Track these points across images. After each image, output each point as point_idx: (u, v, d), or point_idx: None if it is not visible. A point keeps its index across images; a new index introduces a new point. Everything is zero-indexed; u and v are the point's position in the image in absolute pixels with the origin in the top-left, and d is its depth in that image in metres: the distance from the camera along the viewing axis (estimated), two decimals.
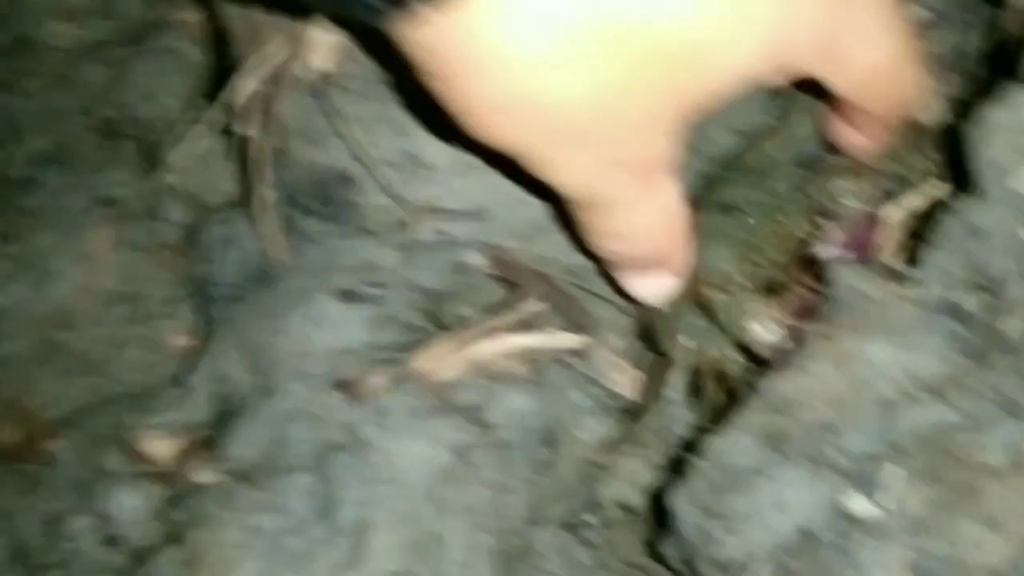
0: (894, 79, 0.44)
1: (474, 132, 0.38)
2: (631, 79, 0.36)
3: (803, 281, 0.51)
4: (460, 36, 0.34)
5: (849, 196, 0.50)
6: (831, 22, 0.39)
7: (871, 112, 0.46)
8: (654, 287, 0.48)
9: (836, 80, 0.42)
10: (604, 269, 0.48)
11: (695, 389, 0.52)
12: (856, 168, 0.51)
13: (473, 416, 0.45)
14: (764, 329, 0.49)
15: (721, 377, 0.52)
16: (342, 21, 0.49)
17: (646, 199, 0.42)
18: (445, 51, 0.35)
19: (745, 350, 0.50)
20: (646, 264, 0.46)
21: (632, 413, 0.52)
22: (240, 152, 0.53)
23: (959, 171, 0.52)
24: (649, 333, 0.52)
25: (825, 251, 0.49)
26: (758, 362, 0.50)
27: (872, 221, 0.50)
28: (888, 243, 0.51)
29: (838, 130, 0.49)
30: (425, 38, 0.35)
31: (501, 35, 0.34)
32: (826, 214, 0.50)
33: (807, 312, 0.48)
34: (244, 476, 0.43)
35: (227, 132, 0.56)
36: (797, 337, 0.46)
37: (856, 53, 0.41)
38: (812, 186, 0.50)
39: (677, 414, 0.52)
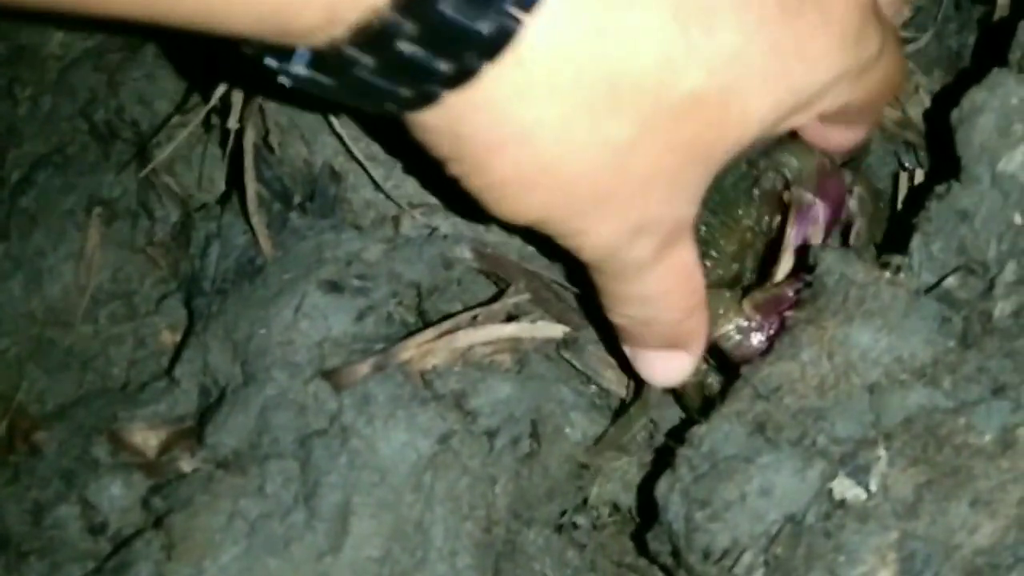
0: (888, 80, 0.43)
1: (499, 210, 0.38)
2: (647, 138, 0.36)
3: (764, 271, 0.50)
4: (478, 116, 0.35)
5: (799, 169, 0.49)
6: (847, 62, 0.38)
7: (876, 105, 0.45)
8: (670, 368, 0.47)
9: (858, 101, 0.42)
10: (622, 346, 0.47)
11: (677, 397, 0.52)
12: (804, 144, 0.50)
13: (456, 404, 0.45)
14: (728, 324, 0.48)
15: (698, 387, 0.51)
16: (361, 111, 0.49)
17: (666, 261, 0.41)
18: (464, 132, 0.35)
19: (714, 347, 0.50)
20: (663, 339, 0.45)
21: (617, 412, 0.52)
22: (230, 149, 0.54)
23: (945, 158, 0.52)
24: None
25: (802, 197, 0.48)
26: (725, 358, 0.49)
27: (840, 180, 0.49)
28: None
29: (829, 135, 0.48)
30: (444, 122, 0.35)
31: (517, 110, 0.34)
32: (779, 190, 0.49)
33: (773, 304, 0.47)
34: (228, 463, 0.43)
35: (217, 130, 0.56)
36: (783, 324, 0.46)
37: (870, 75, 0.41)
38: (764, 167, 0.50)
39: (664, 413, 0.52)
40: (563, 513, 0.52)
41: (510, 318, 0.49)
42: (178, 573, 0.41)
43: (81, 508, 0.46)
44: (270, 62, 0.34)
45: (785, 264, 0.48)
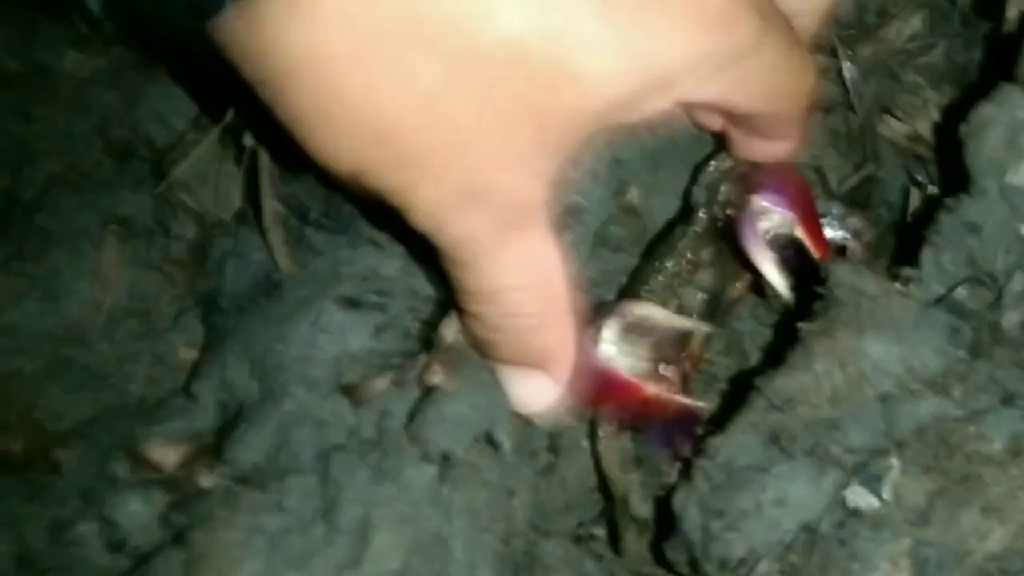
0: (776, 80, 0.40)
1: (311, 149, 0.35)
2: (460, 83, 0.33)
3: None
4: (267, 36, 0.32)
5: (727, 191, 0.48)
6: (706, 42, 0.36)
7: (781, 114, 0.43)
8: (532, 393, 0.43)
9: (735, 96, 0.39)
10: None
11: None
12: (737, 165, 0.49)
13: None
14: None
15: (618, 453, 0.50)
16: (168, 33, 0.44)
17: (513, 251, 0.38)
18: (258, 51, 0.33)
19: None
20: (518, 351, 0.41)
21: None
22: (248, 167, 0.54)
23: (953, 171, 0.53)
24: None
25: (737, 210, 0.47)
26: None
27: (776, 169, 0.47)
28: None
29: (752, 148, 0.46)
30: (239, 40, 0.33)
31: (303, 34, 0.32)
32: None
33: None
34: (247, 479, 0.44)
35: (232, 147, 0.57)
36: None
37: (745, 66, 0.38)
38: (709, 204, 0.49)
39: None
40: (580, 524, 0.53)
41: None
42: None
43: (100, 525, 0.46)
44: None
45: (771, 275, 0.46)
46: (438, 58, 0.32)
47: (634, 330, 0.44)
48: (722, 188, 0.48)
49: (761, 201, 0.46)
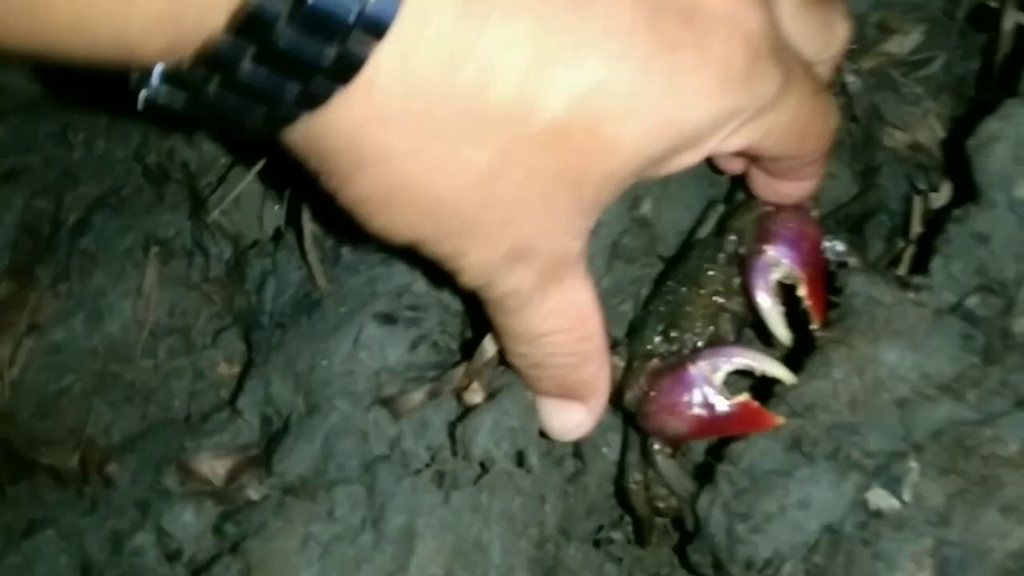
0: (802, 124, 0.42)
1: (372, 227, 0.38)
2: (509, 164, 0.36)
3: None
4: (336, 138, 0.35)
5: (741, 228, 0.50)
6: (733, 101, 0.38)
7: (806, 156, 0.45)
8: (566, 420, 0.46)
9: (762, 144, 0.41)
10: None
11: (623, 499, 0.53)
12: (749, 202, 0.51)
13: None
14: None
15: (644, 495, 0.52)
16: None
17: (552, 298, 0.41)
18: (327, 150, 0.36)
19: None
20: (557, 386, 0.45)
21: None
22: (283, 189, 0.56)
23: (958, 182, 0.54)
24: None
25: (748, 253, 0.49)
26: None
27: (798, 216, 0.49)
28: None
29: (773, 189, 0.48)
30: (308, 142, 0.36)
31: (372, 134, 0.35)
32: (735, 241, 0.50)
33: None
34: (296, 489, 0.46)
35: (266, 170, 0.59)
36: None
37: (771, 117, 0.40)
38: (725, 233, 0.51)
39: None
40: (599, 528, 0.55)
41: None
42: None
43: (157, 536, 0.48)
44: (132, 78, 0.34)
45: (777, 328, 0.48)
46: (490, 146, 0.36)
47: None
48: (741, 220, 0.50)
49: (773, 252, 0.48)
